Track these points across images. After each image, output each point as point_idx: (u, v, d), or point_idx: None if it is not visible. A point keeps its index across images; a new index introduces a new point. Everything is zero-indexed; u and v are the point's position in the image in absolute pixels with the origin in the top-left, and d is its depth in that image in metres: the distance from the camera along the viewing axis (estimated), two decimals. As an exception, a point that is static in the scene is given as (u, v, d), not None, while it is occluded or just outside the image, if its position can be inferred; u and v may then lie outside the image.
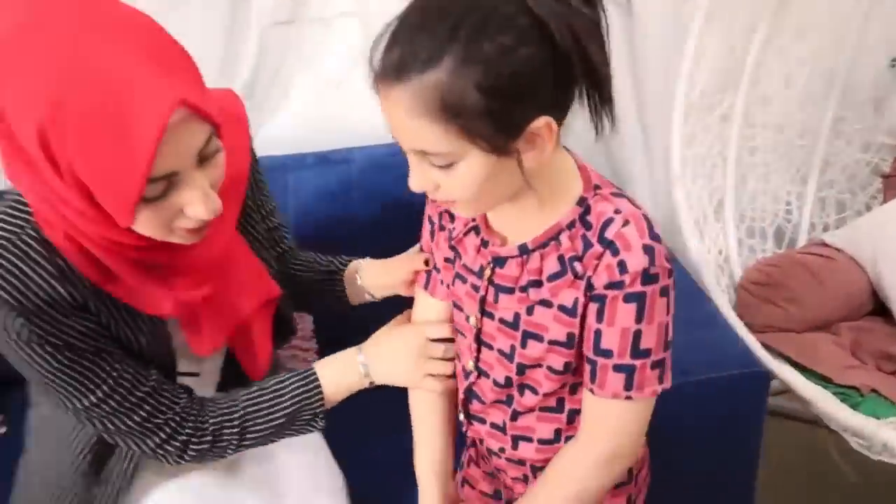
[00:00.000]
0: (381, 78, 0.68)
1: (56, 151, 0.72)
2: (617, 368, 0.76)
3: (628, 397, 0.76)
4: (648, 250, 0.72)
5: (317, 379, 0.98)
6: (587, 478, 0.81)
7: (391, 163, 1.54)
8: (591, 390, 0.78)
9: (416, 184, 0.74)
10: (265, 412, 0.97)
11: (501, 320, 0.82)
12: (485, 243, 0.82)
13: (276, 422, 0.97)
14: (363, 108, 1.65)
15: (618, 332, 0.74)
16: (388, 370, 0.98)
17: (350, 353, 1.00)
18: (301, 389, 0.98)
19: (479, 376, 0.88)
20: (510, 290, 0.80)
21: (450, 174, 0.71)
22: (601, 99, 0.71)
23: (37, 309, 0.82)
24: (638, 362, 0.75)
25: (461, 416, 0.94)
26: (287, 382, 0.99)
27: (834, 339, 1.50)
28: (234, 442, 0.98)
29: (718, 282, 1.58)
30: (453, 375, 0.95)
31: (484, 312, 0.84)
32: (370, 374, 0.98)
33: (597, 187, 0.77)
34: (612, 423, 0.79)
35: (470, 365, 0.88)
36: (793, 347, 1.47)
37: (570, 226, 0.75)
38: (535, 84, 0.67)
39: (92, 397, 0.89)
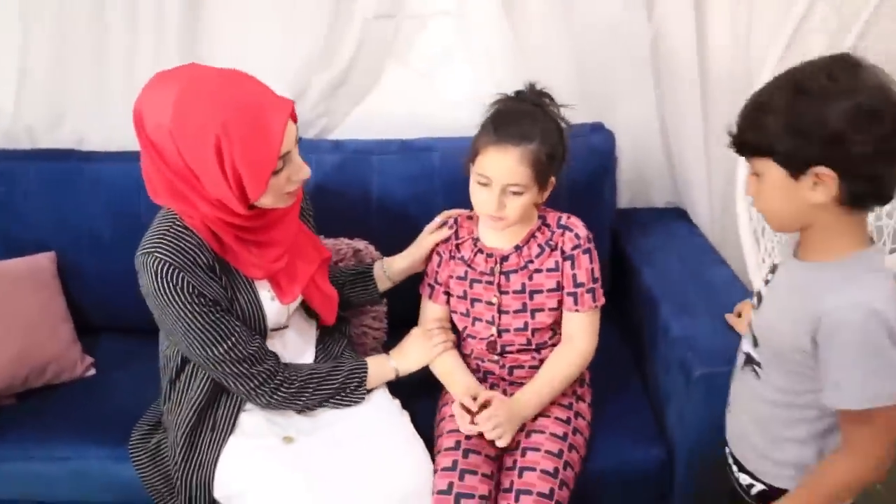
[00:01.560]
0: (503, 141, 1.28)
1: (225, 155, 1.17)
2: (587, 291, 1.38)
3: (595, 306, 1.39)
4: (586, 227, 1.40)
5: (365, 364, 1.43)
6: (573, 369, 1.39)
7: None
8: (576, 310, 1.38)
9: (495, 207, 1.30)
10: (330, 377, 1.40)
11: (514, 291, 1.39)
12: (489, 255, 1.41)
13: (335, 384, 1.39)
14: (447, 103, 1.82)
15: (584, 272, 1.37)
16: (408, 361, 1.45)
17: (383, 356, 1.47)
18: (354, 366, 1.42)
19: (499, 335, 1.42)
20: (515, 271, 1.39)
21: (516, 200, 1.30)
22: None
23: (189, 267, 1.24)
24: (595, 285, 1.39)
25: (494, 360, 1.45)
26: (347, 361, 1.45)
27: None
28: (307, 395, 1.37)
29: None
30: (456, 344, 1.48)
31: (501, 291, 1.39)
32: (398, 370, 1.45)
33: (544, 208, 1.42)
34: (588, 328, 1.40)
35: (494, 330, 1.41)
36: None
37: (538, 228, 1.40)
38: (559, 158, 1.33)
39: (223, 346, 1.28)
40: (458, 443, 1.35)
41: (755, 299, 1.08)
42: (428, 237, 1.48)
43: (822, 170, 0.90)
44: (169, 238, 1.24)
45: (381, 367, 1.43)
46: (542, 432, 1.36)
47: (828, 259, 0.96)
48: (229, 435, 1.35)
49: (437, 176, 1.70)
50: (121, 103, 1.76)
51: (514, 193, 1.29)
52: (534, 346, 1.42)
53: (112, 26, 1.74)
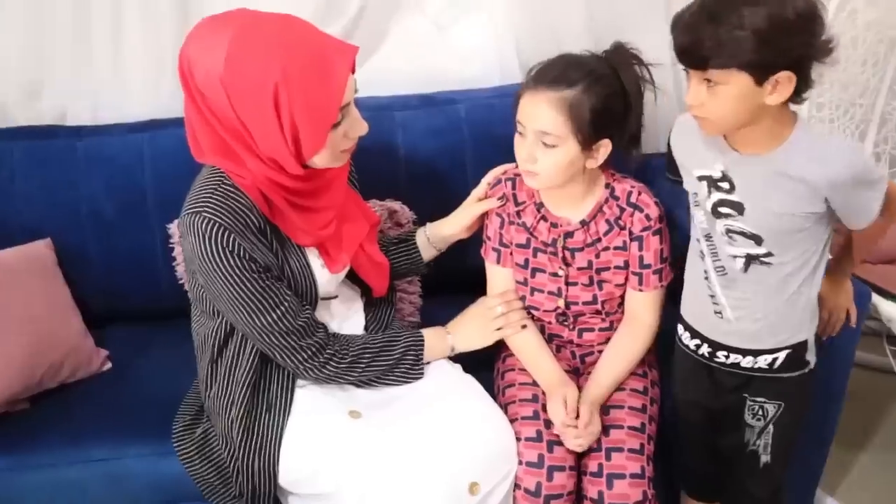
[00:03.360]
0: (537, 84, 1.19)
1: (282, 105, 1.06)
2: (654, 272, 1.29)
3: (662, 286, 1.31)
4: (657, 204, 1.29)
5: (422, 336, 1.33)
6: (640, 346, 1.33)
7: (497, 104, 1.62)
8: (640, 290, 1.30)
9: (524, 155, 1.22)
10: (385, 351, 1.29)
11: (579, 267, 1.31)
12: (553, 225, 1.30)
13: (391, 360, 1.29)
14: (460, 55, 1.74)
15: (652, 253, 1.28)
16: (466, 339, 1.36)
17: (441, 330, 1.36)
18: (411, 340, 1.32)
19: (567, 307, 1.33)
20: (580, 249, 1.30)
21: (549, 153, 1.19)
22: (633, 139, 1.25)
23: (241, 229, 1.13)
24: (663, 265, 1.30)
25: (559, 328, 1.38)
26: (402, 332, 1.34)
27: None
28: (359, 371, 1.27)
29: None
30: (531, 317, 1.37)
31: (566, 264, 1.30)
32: (455, 346, 1.35)
33: (612, 174, 1.31)
34: (654, 304, 1.32)
35: (561, 303, 1.33)
36: (875, 276, 1.61)
37: (606, 201, 1.29)
38: (614, 119, 1.20)
39: (272, 315, 1.18)
40: (535, 412, 1.29)
41: (725, 210, 1.13)
42: (476, 205, 1.37)
43: (784, 74, 0.99)
44: (218, 197, 1.13)
45: (438, 342, 1.34)
46: (621, 407, 1.30)
47: (781, 142, 1.06)
48: (289, 413, 1.26)
49: (466, 126, 1.62)
50: (107, 71, 1.64)
51: (546, 145, 1.18)
52: (604, 311, 1.35)
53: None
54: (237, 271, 1.13)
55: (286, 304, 1.19)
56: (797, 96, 1.03)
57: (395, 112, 1.63)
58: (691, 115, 1.08)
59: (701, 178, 1.14)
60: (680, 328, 1.28)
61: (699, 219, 1.17)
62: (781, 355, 1.19)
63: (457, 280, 1.49)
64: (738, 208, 1.11)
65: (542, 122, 1.18)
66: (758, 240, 1.12)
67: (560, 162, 1.20)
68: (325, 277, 1.28)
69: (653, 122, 1.90)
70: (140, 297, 1.62)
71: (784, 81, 0.99)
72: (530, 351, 1.35)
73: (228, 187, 1.15)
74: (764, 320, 1.17)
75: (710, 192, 1.13)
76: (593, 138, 1.19)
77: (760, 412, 1.25)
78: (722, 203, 1.12)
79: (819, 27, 0.99)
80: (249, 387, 1.25)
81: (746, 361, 1.21)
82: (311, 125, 1.09)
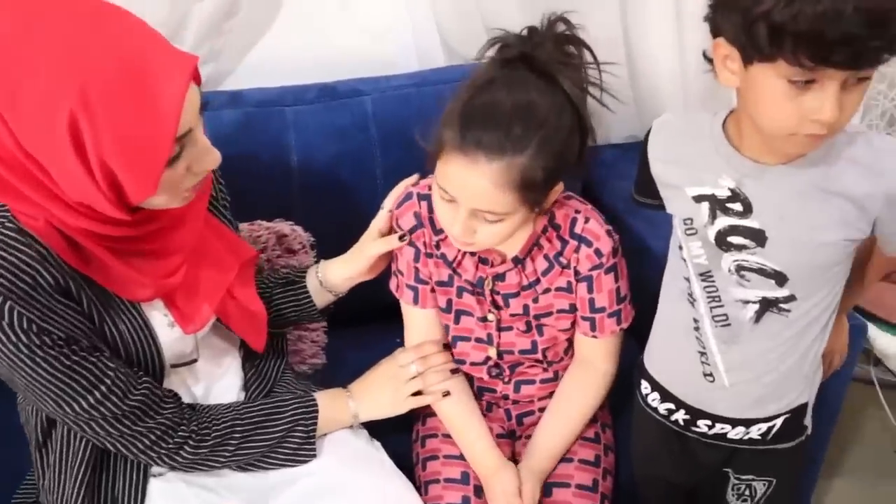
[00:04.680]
0: (472, 150, 0.88)
1: (86, 140, 0.75)
2: (610, 315, 1.06)
3: (620, 329, 1.07)
4: (610, 234, 1.03)
5: (315, 404, 1.06)
6: (595, 397, 1.10)
7: (413, 95, 1.35)
8: (594, 336, 1.07)
9: (461, 232, 0.94)
10: (263, 426, 1.02)
11: (512, 314, 1.07)
12: (483, 260, 1.04)
13: (271, 438, 1.02)
14: (367, 34, 1.45)
15: (606, 294, 1.04)
16: (372, 407, 1.10)
17: (341, 393, 1.11)
18: (300, 411, 1.05)
19: (500, 357, 1.10)
20: (515, 294, 1.05)
21: (492, 226, 0.94)
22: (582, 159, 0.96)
23: (24, 294, 0.83)
24: (621, 306, 1.06)
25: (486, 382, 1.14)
26: (289, 400, 1.06)
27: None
28: (226, 454, 1.00)
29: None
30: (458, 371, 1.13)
31: (496, 307, 1.06)
32: (358, 414, 1.09)
33: None
34: (611, 351, 1.09)
35: (492, 352, 1.09)
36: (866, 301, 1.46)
37: (544, 230, 1.02)
38: (569, 161, 0.94)
39: (88, 399, 0.89)
40: (465, 499, 1.04)
41: (736, 240, 0.89)
42: (374, 243, 1.10)
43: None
44: None
45: (336, 411, 1.08)
46: (570, 460, 1.10)
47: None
48: None
49: (374, 125, 1.33)
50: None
51: (489, 221, 0.93)
52: (546, 360, 1.11)
53: None
54: (23, 350, 0.83)
55: (108, 381, 0.89)
56: None
57: (286, 107, 1.33)
58: (818, 132, 0.76)
59: (699, 199, 0.90)
60: (645, 386, 1.04)
61: (694, 252, 0.92)
62: (778, 422, 0.98)
63: (372, 308, 1.23)
64: (758, 238, 0.87)
65: (485, 202, 0.90)
66: (781, 279, 0.89)
67: (505, 231, 0.95)
68: (175, 336, 0.98)
69: (598, 110, 1.65)
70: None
71: None
72: (456, 421, 1.10)
73: (9, 233, 0.83)
74: (771, 385, 0.95)
75: (713, 218, 0.89)
76: (545, 193, 0.95)
77: (748, 492, 1.04)
78: (733, 231, 0.88)
79: None
80: (84, 482, 0.97)
81: (736, 433, 0.99)
82: (132, 166, 0.78)
